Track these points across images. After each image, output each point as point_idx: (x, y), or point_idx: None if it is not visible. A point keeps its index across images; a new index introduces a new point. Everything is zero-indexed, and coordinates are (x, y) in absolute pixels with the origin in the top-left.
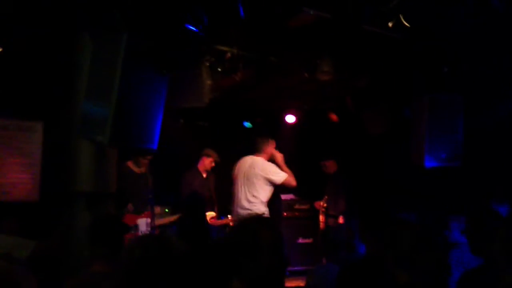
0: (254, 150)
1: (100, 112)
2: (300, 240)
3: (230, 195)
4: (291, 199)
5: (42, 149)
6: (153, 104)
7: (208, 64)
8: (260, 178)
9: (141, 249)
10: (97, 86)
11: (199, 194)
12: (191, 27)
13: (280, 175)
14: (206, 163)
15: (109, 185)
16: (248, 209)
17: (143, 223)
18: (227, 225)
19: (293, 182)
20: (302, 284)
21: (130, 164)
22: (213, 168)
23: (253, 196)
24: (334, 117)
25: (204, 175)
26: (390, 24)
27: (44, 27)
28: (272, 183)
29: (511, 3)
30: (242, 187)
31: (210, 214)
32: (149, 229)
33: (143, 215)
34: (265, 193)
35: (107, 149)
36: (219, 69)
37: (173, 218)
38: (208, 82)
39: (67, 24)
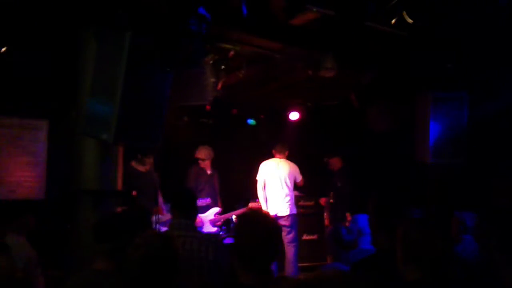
0: (280, 152)
1: (104, 110)
2: (305, 237)
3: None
4: (296, 196)
5: (47, 148)
6: (157, 101)
7: (211, 62)
8: (292, 178)
9: (145, 248)
10: (102, 85)
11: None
12: (194, 23)
13: (301, 176)
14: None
15: (114, 183)
16: (287, 203)
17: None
18: (229, 220)
19: (302, 182)
20: None
21: (133, 163)
22: (213, 164)
23: (289, 192)
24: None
25: (209, 172)
26: (393, 21)
27: (48, 25)
28: (296, 181)
29: None
30: (282, 184)
31: (214, 210)
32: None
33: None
34: (293, 190)
35: (112, 147)
36: (223, 67)
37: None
38: (212, 79)
39: (72, 22)
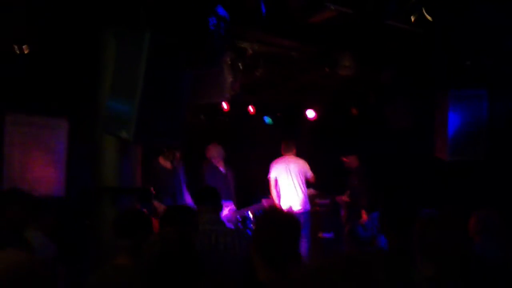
0: (287, 150)
1: (124, 108)
2: (322, 235)
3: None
4: (312, 194)
5: (67, 145)
6: (177, 100)
7: (229, 60)
8: (302, 173)
9: (161, 244)
10: (122, 83)
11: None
12: (213, 23)
13: (311, 172)
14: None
15: (133, 180)
16: (300, 200)
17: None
18: (245, 216)
19: (313, 178)
20: None
21: (161, 160)
22: (227, 161)
23: (302, 188)
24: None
25: (222, 170)
26: (412, 18)
27: (69, 25)
28: (306, 177)
29: None
30: (293, 181)
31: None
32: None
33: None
34: (305, 185)
35: (131, 145)
36: (240, 66)
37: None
38: (229, 78)
39: (92, 22)
